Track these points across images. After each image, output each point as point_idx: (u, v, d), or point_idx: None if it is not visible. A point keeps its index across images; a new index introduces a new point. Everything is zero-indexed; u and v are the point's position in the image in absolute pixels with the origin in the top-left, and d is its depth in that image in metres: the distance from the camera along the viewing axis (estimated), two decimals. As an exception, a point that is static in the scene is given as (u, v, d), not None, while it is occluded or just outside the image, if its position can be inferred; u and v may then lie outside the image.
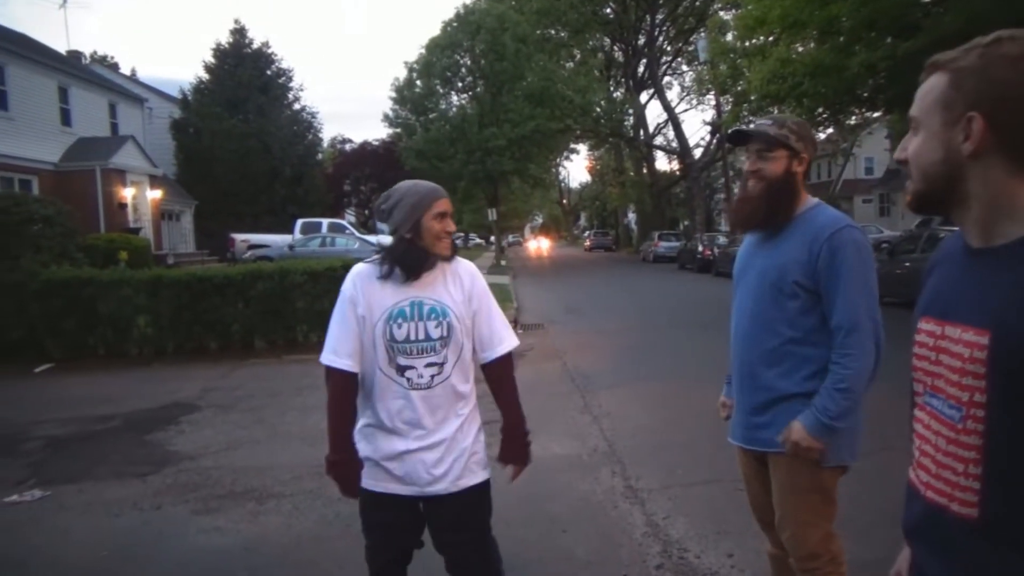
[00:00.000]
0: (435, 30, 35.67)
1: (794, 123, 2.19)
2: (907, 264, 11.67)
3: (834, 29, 14.83)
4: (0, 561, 3.73)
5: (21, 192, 17.85)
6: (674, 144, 43.13)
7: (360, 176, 46.04)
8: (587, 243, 56.38)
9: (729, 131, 2.33)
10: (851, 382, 2.04)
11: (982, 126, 1.01)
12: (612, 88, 43.06)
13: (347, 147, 48.20)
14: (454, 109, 34.37)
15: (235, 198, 30.42)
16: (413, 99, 33.91)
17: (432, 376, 2.19)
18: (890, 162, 35.93)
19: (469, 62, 33.68)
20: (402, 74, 36.00)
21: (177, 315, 9.86)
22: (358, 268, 2.27)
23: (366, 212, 44.61)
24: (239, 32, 34.34)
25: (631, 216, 56.23)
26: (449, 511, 2.25)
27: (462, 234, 68.44)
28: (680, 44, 42.49)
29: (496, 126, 31.31)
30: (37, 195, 17.68)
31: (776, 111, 14.93)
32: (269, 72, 34.44)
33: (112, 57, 52.82)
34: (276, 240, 24.44)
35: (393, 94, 34.72)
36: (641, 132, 43.10)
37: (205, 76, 33.50)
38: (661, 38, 41.98)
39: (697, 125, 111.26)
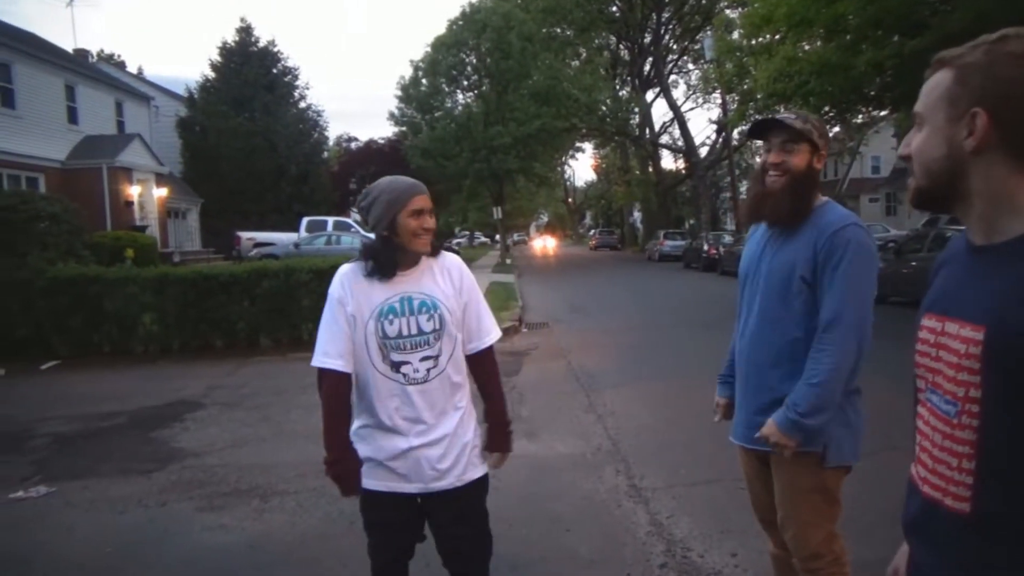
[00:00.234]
0: (441, 28, 35.73)
1: (816, 119, 2.20)
2: (913, 263, 11.62)
3: (841, 27, 14.78)
4: (5, 557, 3.74)
5: (28, 190, 17.95)
6: (680, 143, 43.10)
7: (366, 174, 45.90)
8: (592, 242, 56.34)
9: (755, 119, 2.31)
10: (824, 377, 2.02)
11: (986, 122, 1.01)
12: (618, 87, 43.03)
13: (353, 145, 48.19)
14: (460, 108, 34.36)
15: (241, 196, 30.48)
16: (419, 97, 33.92)
17: (428, 370, 2.19)
18: (897, 161, 35.78)
19: (475, 60, 33.67)
20: (408, 72, 35.94)
21: (183, 313, 9.89)
22: (344, 268, 2.27)
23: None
24: (245, 31, 34.41)
25: (636, 215, 56.16)
26: (453, 505, 2.25)
27: (467, 232, 68.51)
28: (686, 42, 42.43)
29: (501, 124, 31.30)
30: (44, 193, 17.74)
31: (782, 110, 14.86)
32: (275, 70, 34.49)
33: (119, 55, 52.92)
34: (282, 238, 24.49)
35: (399, 92, 34.79)
36: (647, 131, 43.05)
37: (211, 74, 33.58)
38: (667, 36, 41.90)
39: (703, 124, 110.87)
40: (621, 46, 44.72)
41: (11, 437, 6.04)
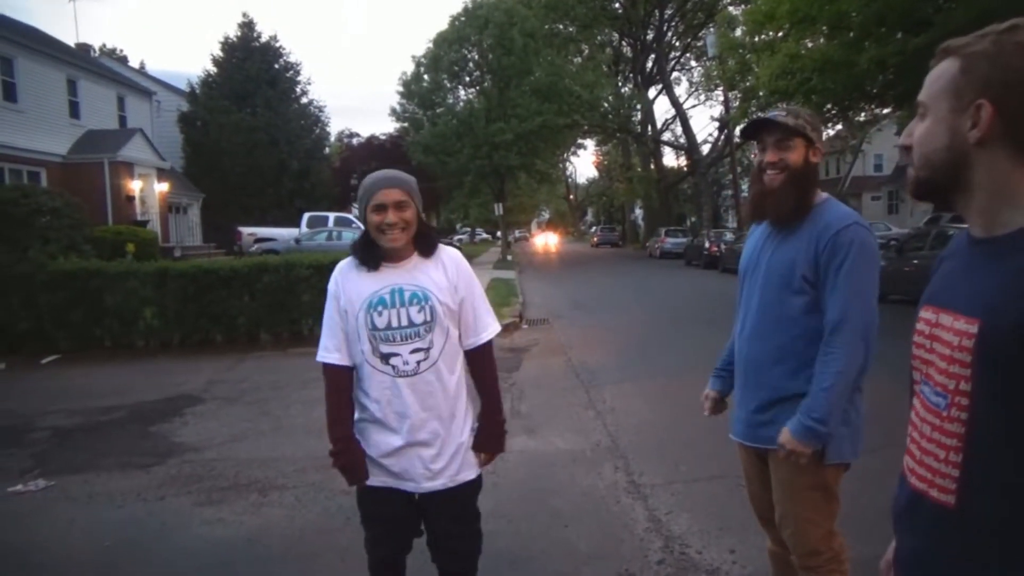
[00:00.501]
0: (443, 24, 35.63)
1: (807, 114, 2.18)
2: (915, 262, 11.60)
3: (843, 24, 14.74)
4: (4, 550, 3.74)
5: (30, 184, 17.92)
6: (682, 140, 43.05)
7: (367, 170, 45.22)
8: (594, 239, 56.29)
9: (746, 121, 2.30)
10: (834, 381, 2.01)
11: (991, 113, 0.99)
12: (620, 84, 42.95)
13: (354, 141, 48.14)
14: (461, 104, 34.27)
15: (242, 191, 30.51)
16: (420, 93, 33.84)
17: (418, 363, 2.18)
18: (899, 159, 35.71)
19: (477, 57, 33.58)
20: (410, 68, 35.89)
21: (183, 307, 9.89)
22: (341, 263, 2.32)
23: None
24: (247, 26, 34.41)
25: (638, 212, 56.11)
26: (447, 505, 2.25)
27: (468, 229, 68.49)
28: (689, 39, 42.34)
29: (503, 121, 31.22)
30: (45, 187, 17.71)
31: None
32: (277, 66, 34.49)
33: (121, 50, 52.88)
34: (283, 234, 24.49)
35: (400, 88, 34.68)
36: (649, 128, 43.00)
37: (213, 69, 33.59)
38: (670, 33, 41.83)
39: (705, 121, 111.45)
40: (623, 43, 44.63)
41: (11, 431, 6.04)
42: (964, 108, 1.02)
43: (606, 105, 37.22)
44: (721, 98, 33.85)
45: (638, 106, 40.31)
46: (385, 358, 2.18)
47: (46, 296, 9.68)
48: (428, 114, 33.80)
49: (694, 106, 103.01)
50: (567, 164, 67.32)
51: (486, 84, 33.56)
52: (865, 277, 2.05)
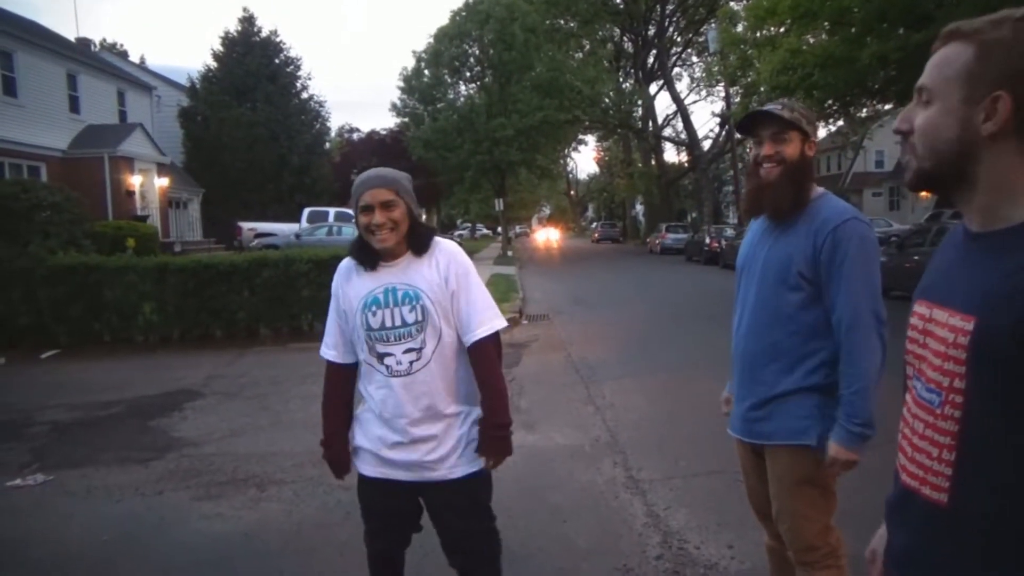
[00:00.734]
0: (444, 19, 35.54)
1: (802, 107, 2.17)
2: (916, 257, 11.59)
3: (845, 20, 14.71)
4: (2, 544, 3.75)
5: (30, 178, 17.93)
6: (683, 136, 42.94)
7: (367, 165, 45.42)
8: (595, 235, 56.29)
9: (743, 116, 2.28)
10: (864, 382, 2.00)
11: (1009, 106, 0.94)
12: (621, 79, 42.84)
13: (355, 136, 48.03)
14: (462, 99, 34.21)
15: (242, 186, 30.44)
16: (421, 88, 33.77)
17: (411, 362, 2.15)
18: (900, 156, 35.65)
19: (478, 52, 33.49)
20: (410, 63, 35.82)
21: (183, 302, 9.89)
22: (342, 263, 2.32)
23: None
24: (248, 20, 34.31)
25: (639, 208, 56.08)
26: (448, 498, 2.23)
27: (469, 224, 68.45)
28: (690, 35, 42.24)
29: (504, 116, 31.16)
30: (45, 182, 17.74)
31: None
32: (277, 61, 34.39)
33: (121, 45, 52.99)
34: (283, 229, 24.44)
35: (401, 83, 34.60)
36: (650, 123, 42.93)
37: (213, 64, 33.48)
38: (671, 29, 41.74)
39: (706, 117, 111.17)
40: (625, 38, 44.52)
41: (10, 425, 6.05)
42: (978, 99, 0.97)
43: (607, 101, 37.17)
44: (722, 94, 33.72)
45: (639, 102, 40.20)
46: (380, 358, 2.17)
47: (46, 291, 9.68)
48: (429, 109, 33.73)
49: (695, 102, 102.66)
50: (568, 160, 67.34)
51: (487, 79, 33.49)
52: (869, 272, 2.04)
